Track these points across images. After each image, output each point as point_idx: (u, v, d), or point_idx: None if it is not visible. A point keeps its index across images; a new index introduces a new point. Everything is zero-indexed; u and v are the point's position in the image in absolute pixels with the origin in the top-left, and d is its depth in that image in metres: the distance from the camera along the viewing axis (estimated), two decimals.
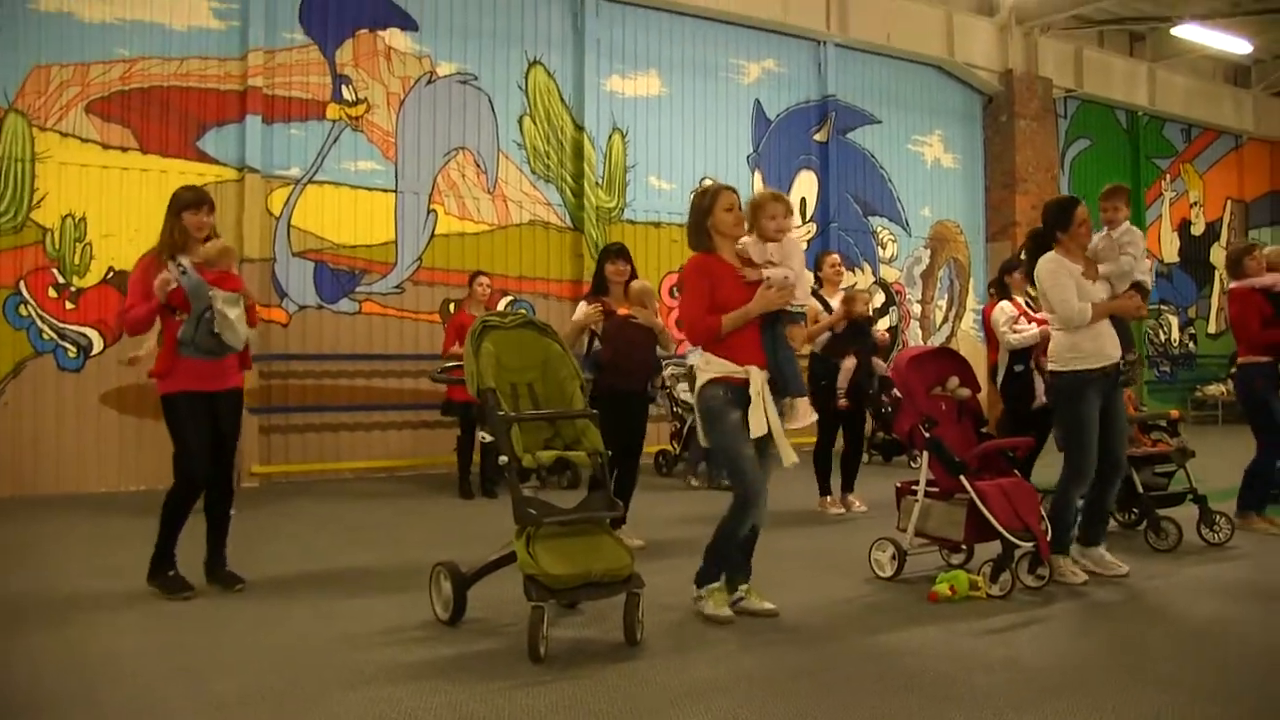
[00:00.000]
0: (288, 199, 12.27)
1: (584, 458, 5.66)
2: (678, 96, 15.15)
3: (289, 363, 12.17)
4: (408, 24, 13.10)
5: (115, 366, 11.01)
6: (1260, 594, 6.63)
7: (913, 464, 12.36)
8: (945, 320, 18.09)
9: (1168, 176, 21.93)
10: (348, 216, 12.63)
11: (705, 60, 15.42)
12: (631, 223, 14.56)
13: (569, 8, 14.24)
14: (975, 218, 18.55)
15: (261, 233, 12.04)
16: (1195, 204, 22.58)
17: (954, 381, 7.06)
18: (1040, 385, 8.91)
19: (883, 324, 13.69)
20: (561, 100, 14.17)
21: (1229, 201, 23.28)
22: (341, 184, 12.61)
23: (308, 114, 12.47)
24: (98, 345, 11.20)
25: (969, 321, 18.11)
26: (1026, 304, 9.48)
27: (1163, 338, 21.64)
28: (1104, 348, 6.71)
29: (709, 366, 5.77)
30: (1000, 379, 9.64)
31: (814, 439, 9.76)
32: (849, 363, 9.55)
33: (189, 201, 6.46)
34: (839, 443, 9.78)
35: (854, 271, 16.29)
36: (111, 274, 11.16)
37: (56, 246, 11.05)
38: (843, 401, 9.53)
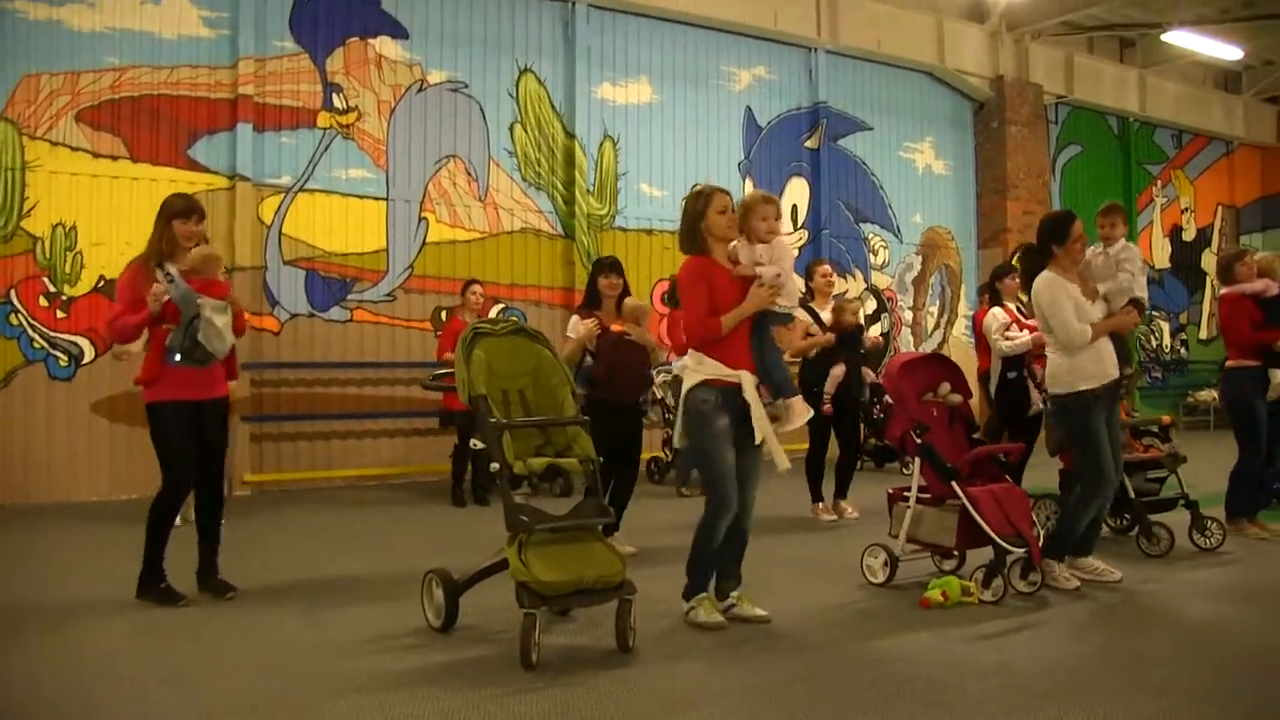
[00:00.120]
0: (279, 207, 12.26)
1: (575, 464, 5.66)
2: (669, 104, 15.16)
3: (280, 371, 12.15)
4: (398, 32, 13.10)
5: (107, 375, 11.04)
6: (1253, 597, 6.63)
7: (905, 470, 12.36)
8: (937, 326, 18.11)
9: (1159, 182, 21.98)
10: (339, 224, 12.62)
11: (696, 67, 15.43)
12: (623, 230, 14.56)
13: (559, 15, 14.25)
14: (966, 224, 18.58)
15: (253, 241, 12.02)
16: (1186, 210, 22.63)
17: (945, 387, 7.07)
18: (1035, 392, 8.94)
19: (874, 330, 13.71)
20: (552, 108, 14.17)
21: (1220, 207, 23.34)
22: (333, 192, 12.60)
23: (298, 122, 12.46)
24: (89, 354, 11.17)
25: (961, 328, 18.12)
26: (1018, 310, 9.51)
27: (1154, 344, 21.66)
28: (1105, 366, 6.72)
29: (700, 368, 5.77)
30: (993, 386, 9.68)
31: (805, 446, 9.76)
32: (838, 370, 9.55)
33: (180, 210, 6.44)
34: (832, 449, 9.78)
35: (845, 278, 16.30)
36: (102, 282, 11.13)
37: (47, 255, 11.02)
38: (827, 407, 9.52)
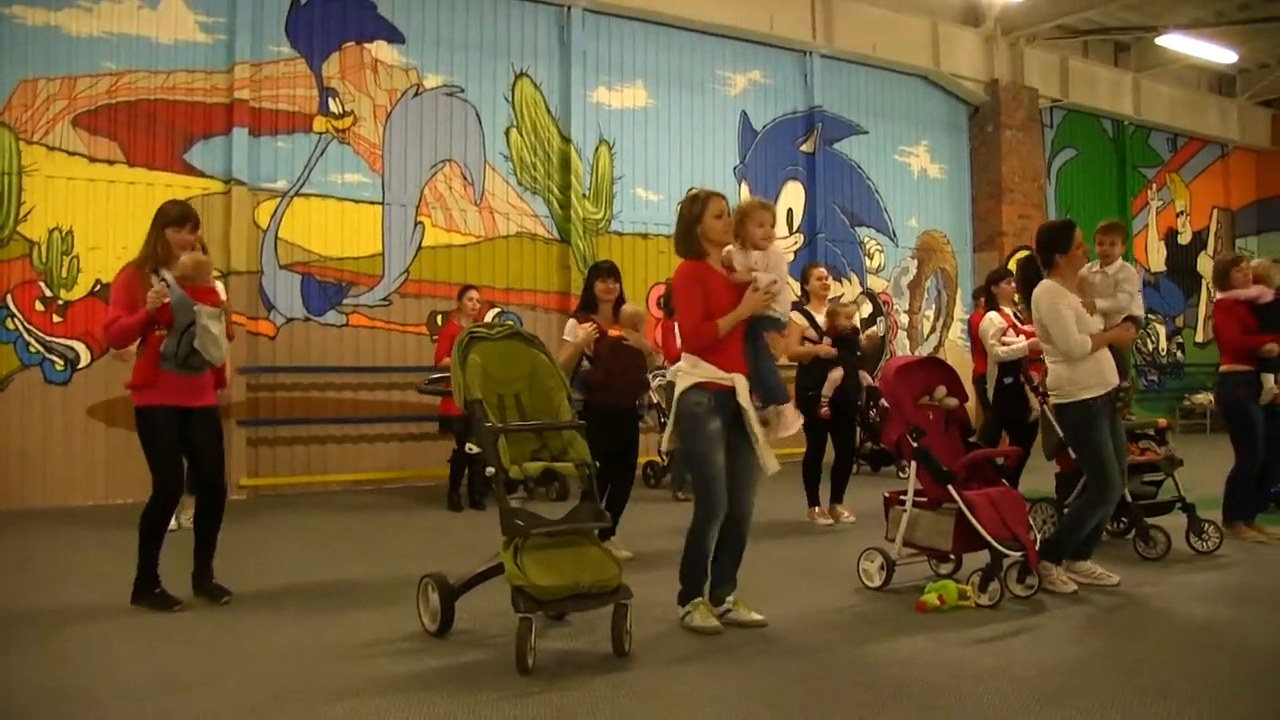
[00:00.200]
0: (275, 211, 12.26)
1: (571, 469, 5.65)
2: (664, 108, 15.17)
3: (276, 375, 12.14)
4: (394, 36, 13.11)
5: (102, 379, 11.04)
6: (1251, 600, 6.63)
7: (901, 474, 12.31)
8: (933, 330, 18.12)
9: (1154, 186, 22.01)
10: (335, 229, 12.62)
11: (691, 72, 15.44)
12: (618, 234, 14.56)
13: (555, 20, 14.26)
14: (962, 228, 18.59)
15: (249, 245, 12.02)
16: (1182, 213, 22.66)
17: (941, 391, 7.08)
18: (1033, 398, 8.95)
19: (871, 330, 13.69)
20: (548, 112, 14.18)
21: (1215, 210, 23.36)
22: (328, 196, 12.60)
23: (294, 126, 12.46)
24: (85, 358, 11.16)
25: (956, 331, 18.13)
26: (1014, 315, 9.52)
27: (1150, 347, 21.68)
28: (1105, 375, 6.75)
29: (694, 371, 5.78)
30: (990, 391, 9.69)
31: (802, 450, 9.77)
32: (835, 374, 9.55)
33: (174, 218, 6.45)
34: (828, 453, 9.78)
35: (841, 282, 16.31)
36: (99, 287, 11.12)
37: (43, 259, 11.02)
38: (824, 410, 9.52)
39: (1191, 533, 8.01)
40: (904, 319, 17.71)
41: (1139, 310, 7.15)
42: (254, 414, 11.95)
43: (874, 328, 14.09)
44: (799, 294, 9.98)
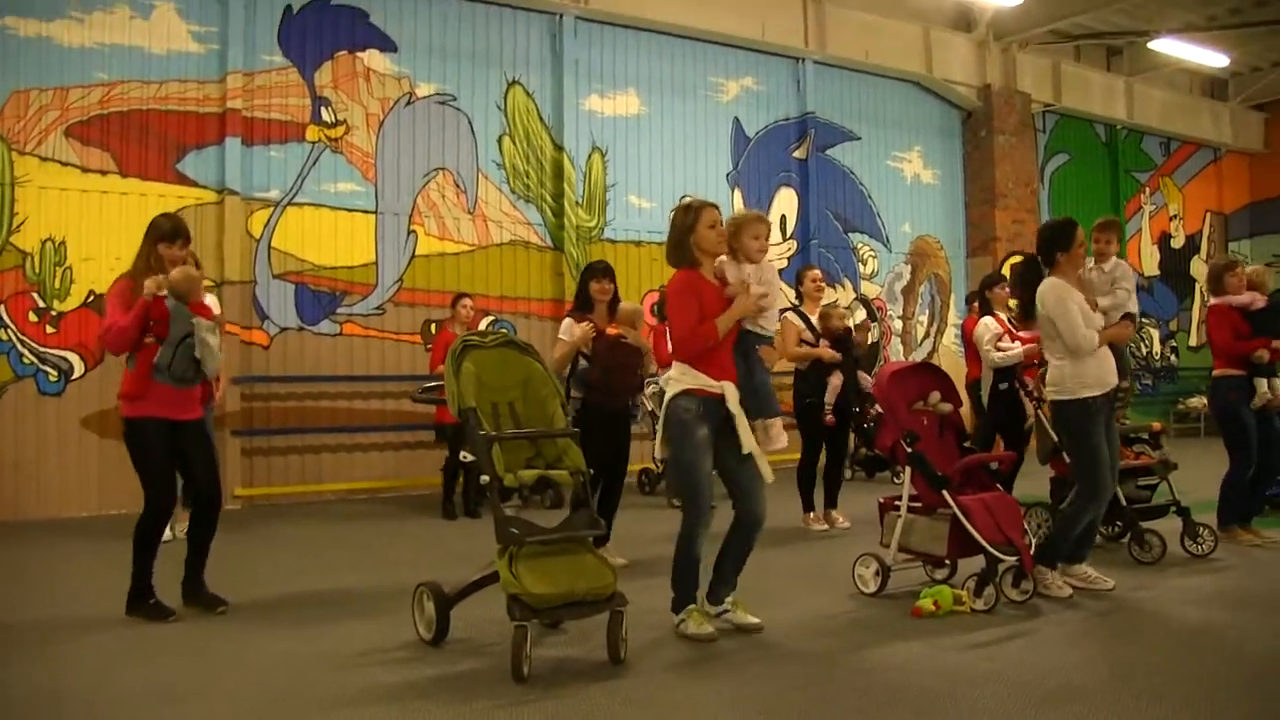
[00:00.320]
0: (268, 221, 12.25)
1: (566, 476, 5.65)
2: (657, 115, 15.18)
3: (270, 385, 12.13)
4: (386, 45, 13.11)
5: (96, 390, 11.02)
6: (1246, 603, 6.64)
7: (895, 479, 12.35)
8: (927, 336, 18.13)
9: (1147, 190, 22.03)
10: (328, 238, 12.61)
11: (684, 79, 15.46)
12: (612, 242, 14.55)
13: (547, 28, 14.27)
14: (955, 233, 18.61)
15: (242, 255, 12.00)
16: (1175, 217, 22.68)
17: (935, 396, 7.08)
18: (1028, 404, 8.95)
19: (862, 321, 13.68)
20: (541, 120, 14.18)
21: (1208, 214, 23.40)
22: (321, 205, 12.59)
23: (287, 136, 12.46)
24: (79, 369, 11.14)
25: (950, 337, 18.15)
26: (1009, 320, 9.53)
27: (1144, 351, 21.69)
28: (1106, 374, 6.76)
29: (684, 378, 5.78)
30: (985, 396, 9.70)
31: (796, 456, 9.76)
32: (836, 380, 9.56)
33: (165, 233, 6.46)
34: (823, 459, 9.78)
35: (835, 288, 16.31)
36: (92, 297, 11.11)
37: (36, 270, 11.00)
38: (829, 418, 9.54)
39: (1186, 536, 8.02)
40: (898, 324, 17.71)
41: (1134, 308, 7.19)
42: (248, 424, 11.93)
43: (864, 318, 14.04)
44: (793, 299, 9.99)
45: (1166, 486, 8.30)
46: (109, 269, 10.74)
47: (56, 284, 11.09)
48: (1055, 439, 7.53)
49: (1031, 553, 6.64)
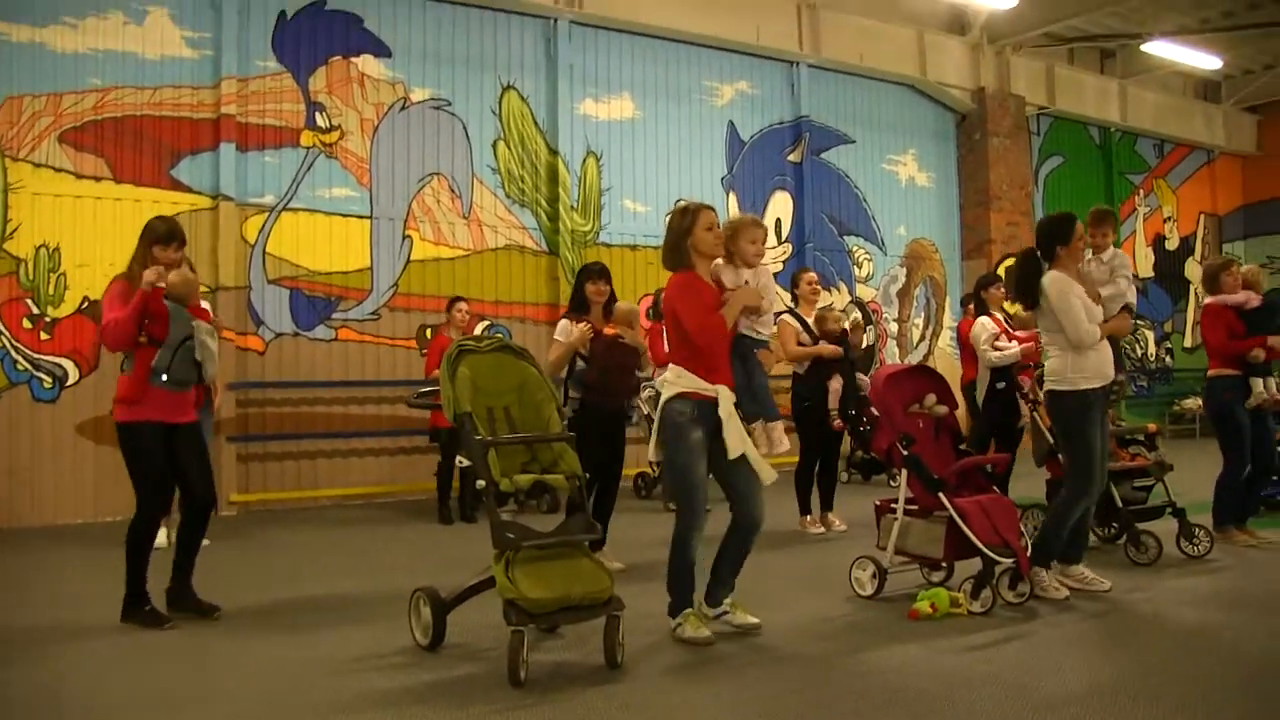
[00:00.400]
0: (262, 226, 12.24)
1: (562, 481, 5.64)
2: (651, 119, 15.19)
3: (265, 390, 12.12)
4: (381, 50, 13.11)
5: (91, 397, 11.00)
6: (1242, 604, 6.64)
7: (892, 482, 12.35)
8: (922, 338, 18.14)
9: (1141, 192, 22.08)
10: (323, 243, 12.60)
11: (678, 83, 15.47)
12: (607, 246, 14.55)
13: (541, 32, 14.27)
14: (950, 236, 18.63)
15: (236, 260, 12.00)
16: (1169, 219, 22.72)
17: (931, 399, 7.07)
18: (1023, 405, 8.95)
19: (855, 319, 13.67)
20: (535, 125, 14.18)
21: (1202, 216, 23.44)
22: (316, 211, 12.59)
23: (281, 141, 12.45)
24: (73, 376, 11.13)
25: (946, 339, 18.16)
26: (1006, 320, 9.53)
27: (1139, 352, 21.71)
28: (1104, 366, 6.77)
29: (679, 381, 5.78)
30: (981, 396, 9.69)
31: (794, 459, 9.75)
32: (835, 384, 9.56)
33: (160, 235, 6.44)
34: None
35: (830, 291, 16.31)
36: (86, 304, 11.10)
37: (30, 277, 10.99)
38: (837, 423, 9.55)
39: (1182, 537, 8.03)
40: (893, 327, 17.72)
41: (1133, 298, 7.20)
42: (243, 429, 11.91)
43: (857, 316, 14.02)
44: (789, 302, 9.99)
45: (1162, 488, 8.29)
46: (103, 275, 10.75)
47: (50, 290, 11.07)
48: (1051, 441, 7.54)
49: (1028, 555, 6.63)
